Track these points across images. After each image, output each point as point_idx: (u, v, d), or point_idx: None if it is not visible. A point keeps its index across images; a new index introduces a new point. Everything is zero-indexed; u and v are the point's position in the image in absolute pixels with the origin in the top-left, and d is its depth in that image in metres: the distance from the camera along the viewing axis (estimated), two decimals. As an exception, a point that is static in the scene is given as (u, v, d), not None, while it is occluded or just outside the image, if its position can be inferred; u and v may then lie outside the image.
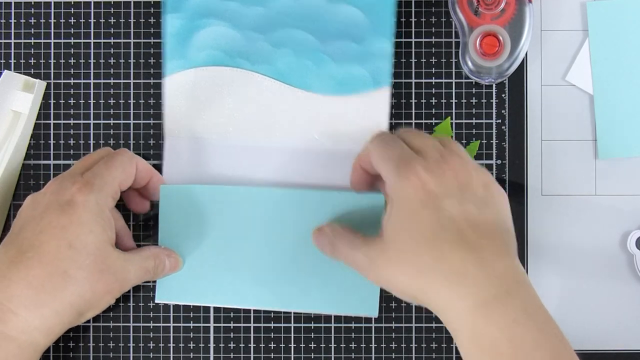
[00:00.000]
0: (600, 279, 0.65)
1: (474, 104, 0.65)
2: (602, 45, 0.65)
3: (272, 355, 0.64)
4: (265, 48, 0.64)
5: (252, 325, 0.64)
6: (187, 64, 0.64)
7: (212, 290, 0.63)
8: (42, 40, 0.65)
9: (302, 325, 0.64)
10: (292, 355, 0.64)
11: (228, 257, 0.63)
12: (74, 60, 0.65)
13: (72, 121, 0.65)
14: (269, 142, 0.64)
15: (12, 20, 0.65)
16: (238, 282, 0.63)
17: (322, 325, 0.64)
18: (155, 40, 0.65)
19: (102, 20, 0.65)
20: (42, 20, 0.65)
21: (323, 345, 0.64)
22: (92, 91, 0.65)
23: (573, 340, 0.64)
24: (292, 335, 0.64)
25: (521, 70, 0.65)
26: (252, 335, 0.64)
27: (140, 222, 0.65)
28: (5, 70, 0.64)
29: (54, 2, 0.65)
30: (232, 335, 0.64)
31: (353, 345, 0.64)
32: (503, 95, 0.65)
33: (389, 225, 0.55)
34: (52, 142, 0.65)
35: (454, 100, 0.65)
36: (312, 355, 0.64)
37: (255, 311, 0.64)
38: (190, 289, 0.63)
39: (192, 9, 0.64)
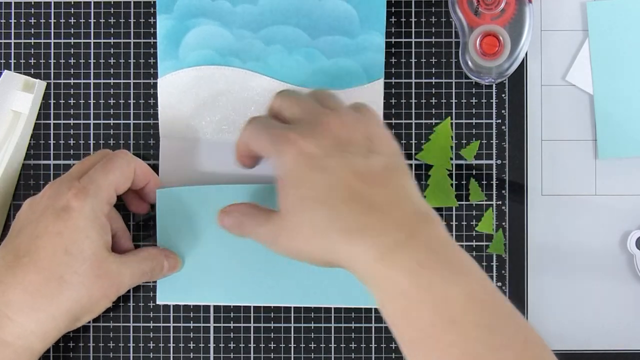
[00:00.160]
0: (600, 279, 0.65)
1: (474, 104, 0.65)
2: (602, 45, 0.65)
3: (272, 355, 0.64)
4: (256, 45, 0.64)
5: (252, 325, 0.64)
6: (179, 64, 0.64)
7: (213, 288, 0.63)
8: (42, 40, 0.65)
9: (302, 325, 0.64)
10: (292, 355, 0.64)
11: (227, 255, 0.63)
12: (74, 60, 0.65)
13: (72, 121, 0.65)
14: None
15: (12, 20, 0.65)
16: (238, 279, 0.63)
17: (322, 325, 0.64)
18: (155, 40, 0.65)
19: (102, 20, 0.65)
20: (42, 20, 0.65)
21: (323, 345, 0.64)
22: (92, 91, 0.65)
23: (573, 340, 0.64)
24: (292, 335, 0.64)
25: (521, 70, 0.65)
26: (252, 335, 0.64)
27: (140, 222, 0.65)
28: (5, 70, 0.64)
29: (54, 2, 0.65)
30: (232, 335, 0.64)
31: (353, 345, 0.64)
32: (503, 95, 0.65)
33: (281, 197, 0.53)
34: (52, 142, 0.65)
35: (454, 100, 0.65)
36: (312, 355, 0.64)
37: (255, 311, 0.64)
38: (191, 288, 0.63)
39: (182, 9, 0.64)
